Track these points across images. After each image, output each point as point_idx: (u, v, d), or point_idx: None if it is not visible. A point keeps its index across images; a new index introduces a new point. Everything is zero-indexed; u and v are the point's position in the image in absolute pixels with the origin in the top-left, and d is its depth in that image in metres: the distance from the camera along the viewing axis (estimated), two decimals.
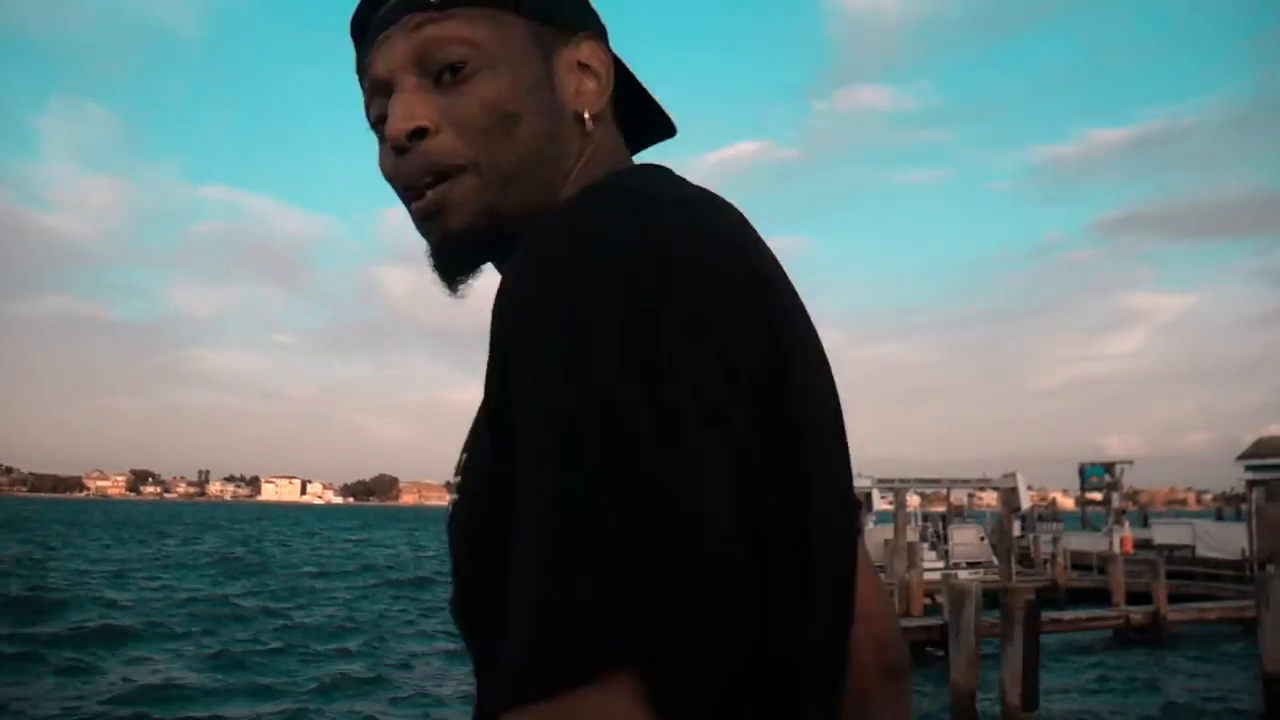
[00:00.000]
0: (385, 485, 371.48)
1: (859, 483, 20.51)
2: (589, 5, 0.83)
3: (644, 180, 0.70)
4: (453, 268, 0.76)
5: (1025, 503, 27.32)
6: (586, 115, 0.77)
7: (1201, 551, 27.73)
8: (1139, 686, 14.68)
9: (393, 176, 0.76)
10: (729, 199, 0.71)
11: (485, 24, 0.74)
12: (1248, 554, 23.44)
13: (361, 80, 0.79)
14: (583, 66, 0.78)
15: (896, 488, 23.34)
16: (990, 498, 34.19)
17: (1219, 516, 39.25)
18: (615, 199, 0.64)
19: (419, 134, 0.73)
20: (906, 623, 15.81)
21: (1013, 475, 25.82)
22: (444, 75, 0.73)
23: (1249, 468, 28.53)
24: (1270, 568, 13.61)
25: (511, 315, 0.60)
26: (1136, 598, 20.55)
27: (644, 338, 0.56)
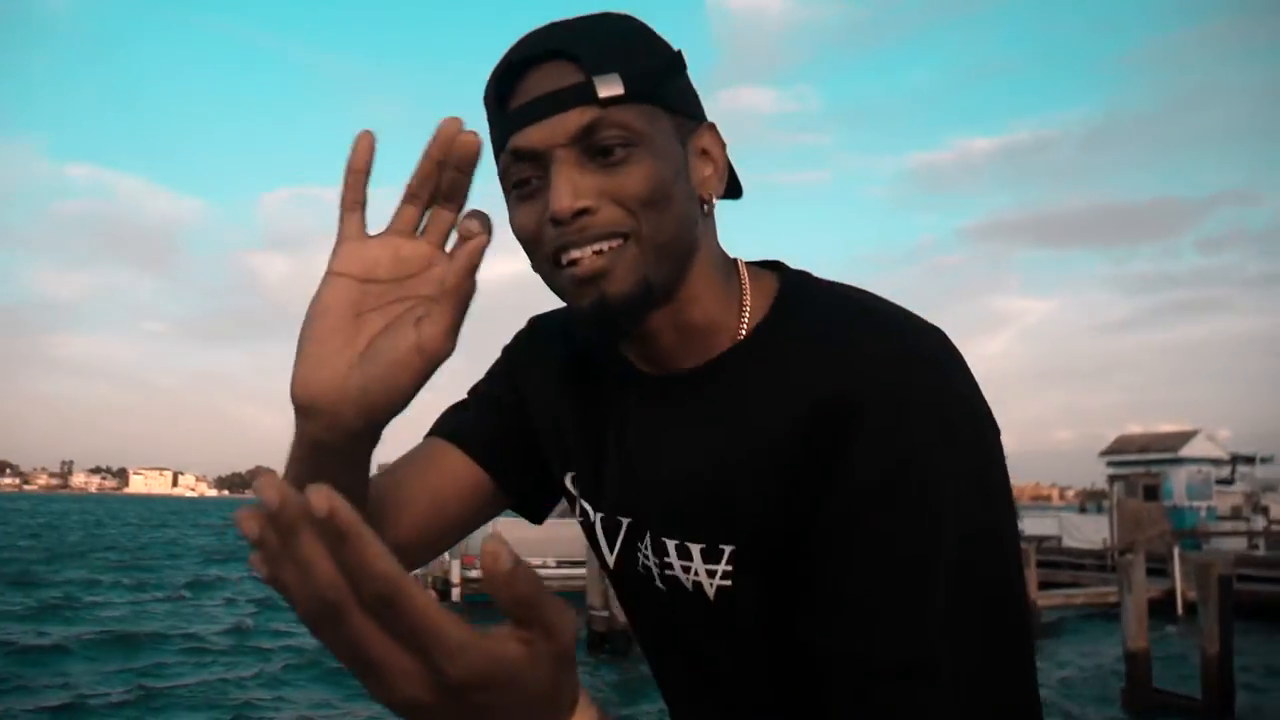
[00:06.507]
0: None
1: None
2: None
3: (925, 325, 0.84)
4: (610, 329, 0.83)
5: None
6: (711, 199, 0.86)
7: (1067, 542, 29.38)
8: None
9: (537, 240, 0.81)
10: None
11: (639, 113, 0.80)
12: (1109, 544, 24.97)
13: (501, 143, 0.82)
14: (704, 153, 0.86)
15: None
16: None
17: (1081, 510, 41.44)
18: (946, 354, 0.81)
19: (584, 213, 0.78)
20: None
21: None
22: (602, 156, 0.78)
23: (1110, 463, 30.42)
24: (1129, 556, 14.73)
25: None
26: None
27: None
